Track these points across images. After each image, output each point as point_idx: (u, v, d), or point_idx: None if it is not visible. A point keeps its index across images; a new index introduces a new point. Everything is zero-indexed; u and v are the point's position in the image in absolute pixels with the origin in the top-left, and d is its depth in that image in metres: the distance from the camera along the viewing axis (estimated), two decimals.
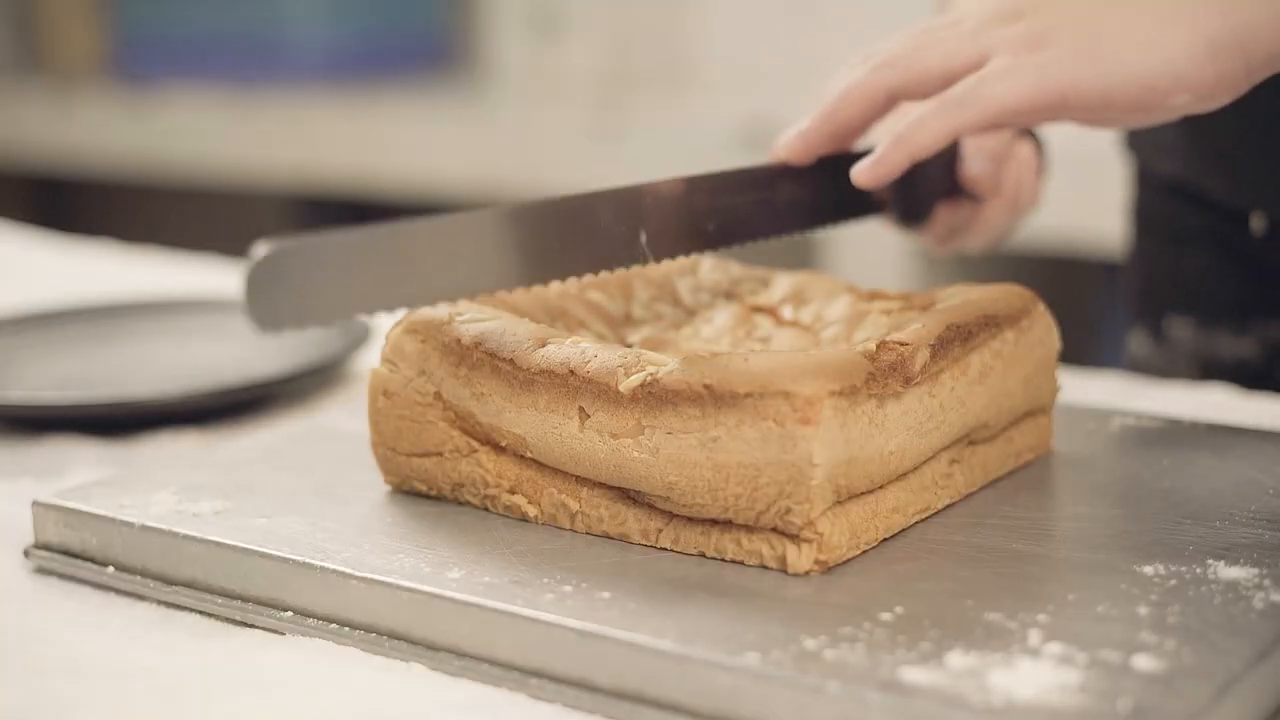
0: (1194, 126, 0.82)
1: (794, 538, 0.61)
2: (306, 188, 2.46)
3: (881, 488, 0.64)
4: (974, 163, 0.80)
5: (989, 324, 0.68)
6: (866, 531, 0.63)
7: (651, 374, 0.63)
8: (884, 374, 0.63)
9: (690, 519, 0.63)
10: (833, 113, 0.69)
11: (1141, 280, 1.01)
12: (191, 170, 2.50)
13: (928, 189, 0.81)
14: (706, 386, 0.61)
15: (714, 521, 0.62)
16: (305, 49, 2.45)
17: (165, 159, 2.51)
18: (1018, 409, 0.71)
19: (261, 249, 0.55)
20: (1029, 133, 0.85)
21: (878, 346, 0.63)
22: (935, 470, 0.67)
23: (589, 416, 0.64)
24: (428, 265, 0.60)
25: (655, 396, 0.62)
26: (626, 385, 0.63)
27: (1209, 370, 0.94)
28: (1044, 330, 0.72)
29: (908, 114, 0.68)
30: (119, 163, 2.57)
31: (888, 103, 0.69)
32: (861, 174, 0.69)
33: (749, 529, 0.61)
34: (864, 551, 0.63)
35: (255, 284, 0.54)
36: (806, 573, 0.60)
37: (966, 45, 0.65)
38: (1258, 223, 0.90)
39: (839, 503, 0.62)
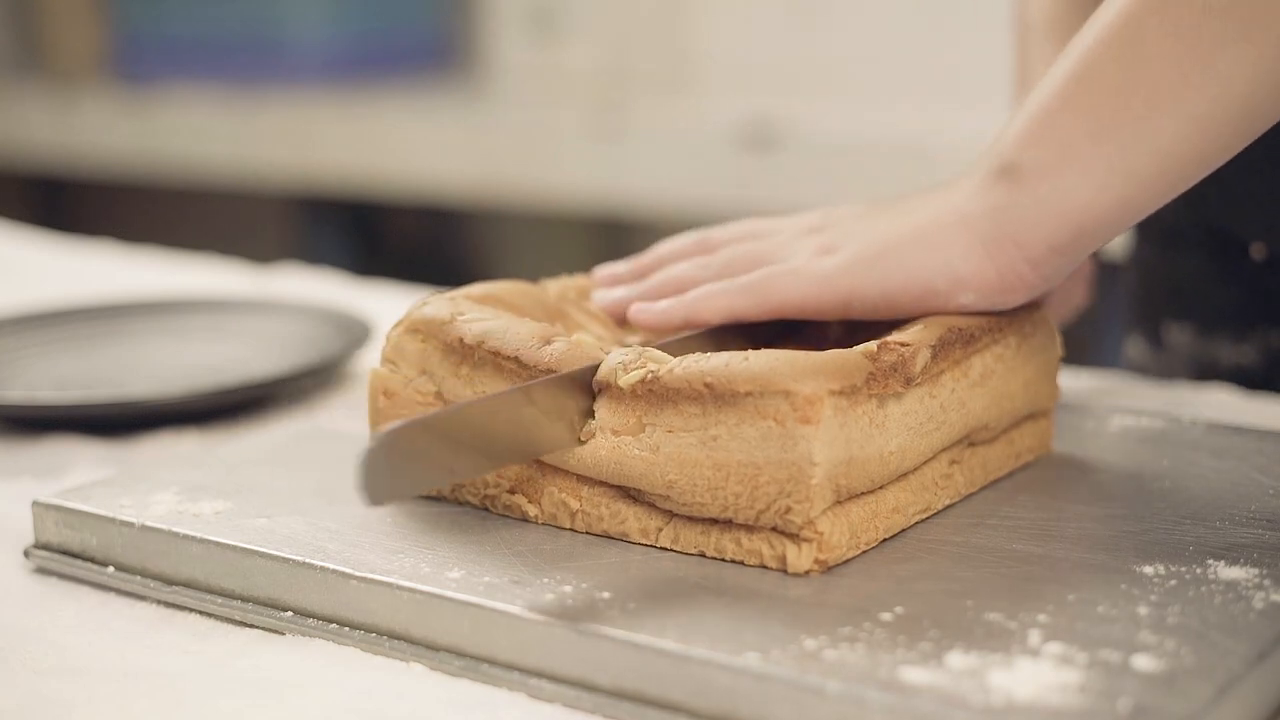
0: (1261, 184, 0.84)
1: (794, 537, 0.61)
2: (306, 188, 2.46)
3: (882, 488, 0.64)
4: None
5: (991, 328, 0.68)
6: (866, 531, 0.63)
7: (652, 371, 0.63)
8: (885, 374, 0.63)
9: (690, 518, 0.63)
10: (686, 321, 0.72)
11: (1140, 286, 1.01)
12: (191, 170, 2.50)
13: None
14: (707, 385, 0.61)
15: (714, 521, 0.62)
16: (306, 49, 2.45)
17: (165, 159, 2.51)
18: (1018, 411, 0.71)
19: (378, 436, 0.57)
20: None
21: (879, 347, 0.64)
22: (935, 471, 0.67)
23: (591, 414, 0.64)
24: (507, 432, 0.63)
25: (656, 394, 0.62)
26: (626, 381, 0.63)
27: (1207, 376, 0.94)
28: (1045, 336, 0.72)
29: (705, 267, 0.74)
30: (119, 163, 2.57)
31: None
32: (639, 315, 0.72)
33: (749, 528, 0.61)
34: (864, 551, 0.63)
35: (370, 465, 0.56)
36: (806, 572, 0.60)
37: (774, 251, 0.72)
38: (1258, 252, 0.90)
39: (839, 502, 0.62)
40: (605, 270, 0.79)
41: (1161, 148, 0.63)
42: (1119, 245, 1.09)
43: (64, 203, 2.97)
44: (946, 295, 0.66)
